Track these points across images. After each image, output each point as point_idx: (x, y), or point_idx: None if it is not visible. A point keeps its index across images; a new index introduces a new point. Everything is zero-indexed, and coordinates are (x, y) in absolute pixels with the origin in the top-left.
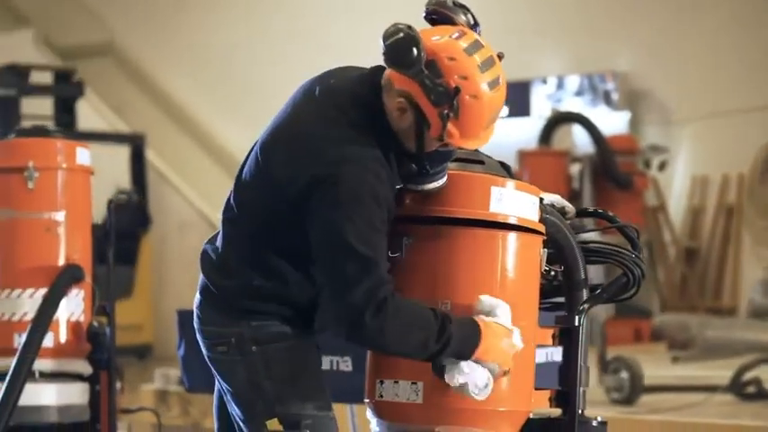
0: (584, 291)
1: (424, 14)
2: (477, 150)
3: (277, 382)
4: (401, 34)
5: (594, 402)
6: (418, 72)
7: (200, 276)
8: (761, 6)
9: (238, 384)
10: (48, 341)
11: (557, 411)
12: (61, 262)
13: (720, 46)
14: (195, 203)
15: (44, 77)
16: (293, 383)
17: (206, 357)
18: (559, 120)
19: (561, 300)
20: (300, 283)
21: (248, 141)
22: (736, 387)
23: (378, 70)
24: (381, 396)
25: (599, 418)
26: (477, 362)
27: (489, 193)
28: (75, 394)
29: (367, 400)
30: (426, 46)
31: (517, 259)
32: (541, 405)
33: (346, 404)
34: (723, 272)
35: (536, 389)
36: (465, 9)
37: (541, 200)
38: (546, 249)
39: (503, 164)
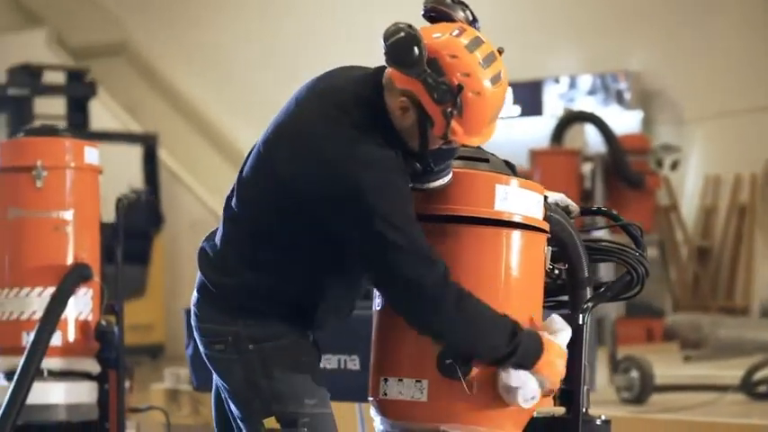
0: (588, 289)
1: (422, 12)
2: (480, 148)
3: (274, 381)
4: (402, 33)
5: (605, 402)
6: (420, 71)
7: (198, 274)
8: None
9: (236, 383)
10: (56, 340)
11: (560, 410)
12: (69, 261)
13: (732, 46)
14: (207, 202)
15: (57, 77)
16: (290, 381)
17: (204, 355)
18: (572, 119)
19: (565, 298)
20: (299, 282)
21: None
22: (748, 386)
23: (381, 70)
24: (385, 394)
25: (603, 417)
26: (533, 373)
27: (494, 192)
28: (84, 393)
29: (371, 399)
30: (427, 44)
31: (522, 257)
32: (545, 404)
33: (354, 403)
34: (735, 272)
35: None
36: (463, 5)
37: (546, 198)
38: (550, 247)
39: (507, 162)
